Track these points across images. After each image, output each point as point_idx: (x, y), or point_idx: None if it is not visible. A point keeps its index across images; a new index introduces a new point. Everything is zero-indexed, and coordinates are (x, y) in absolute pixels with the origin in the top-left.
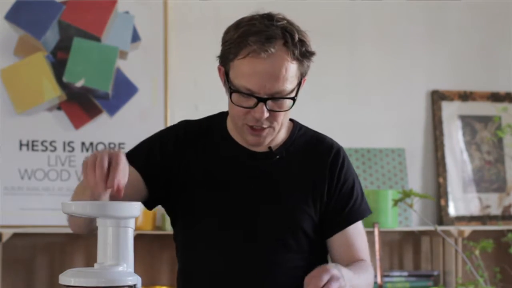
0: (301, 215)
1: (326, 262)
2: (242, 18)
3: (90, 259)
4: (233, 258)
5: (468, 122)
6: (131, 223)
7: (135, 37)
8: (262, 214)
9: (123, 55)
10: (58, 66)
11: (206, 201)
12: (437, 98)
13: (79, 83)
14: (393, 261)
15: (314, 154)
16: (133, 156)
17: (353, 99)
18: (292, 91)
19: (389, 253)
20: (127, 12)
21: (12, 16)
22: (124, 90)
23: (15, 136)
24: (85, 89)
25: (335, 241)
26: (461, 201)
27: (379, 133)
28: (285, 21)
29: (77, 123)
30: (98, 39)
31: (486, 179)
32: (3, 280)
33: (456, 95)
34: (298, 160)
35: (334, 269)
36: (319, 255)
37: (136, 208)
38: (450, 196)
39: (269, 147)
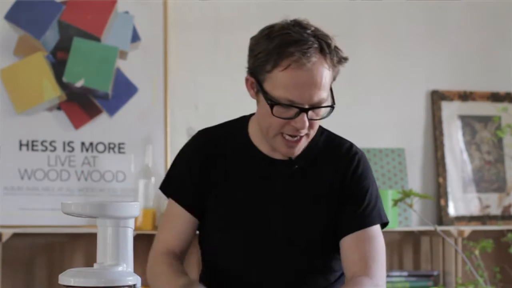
0: (316, 223)
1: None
2: (270, 27)
3: (89, 259)
4: (258, 267)
5: (468, 122)
6: (131, 223)
7: (135, 37)
8: (279, 223)
9: (123, 55)
10: (58, 66)
11: (230, 214)
12: (437, 98)
13: (79, 83)
14: (393, 261)
15: (332, 159)
16: (176, 195)
17: (352, 99)
18: (327, 97)
19: (389, 253)
20: (127, 12)
21: (12, 16)
22: (124, 90)
23: (15, 136)
24: (85, 89)
25: (344, 244)
26: (461, 201)
27: (379, 133)
28: (314, 27)
29: (77, 123)
30: (98, 39)
31: (486, 179)
32: (3, 280)
33: (456, 95)
34: (316, 166)
35: None
36: (328, 258)
37: (135, 208)
38: (450, 196)
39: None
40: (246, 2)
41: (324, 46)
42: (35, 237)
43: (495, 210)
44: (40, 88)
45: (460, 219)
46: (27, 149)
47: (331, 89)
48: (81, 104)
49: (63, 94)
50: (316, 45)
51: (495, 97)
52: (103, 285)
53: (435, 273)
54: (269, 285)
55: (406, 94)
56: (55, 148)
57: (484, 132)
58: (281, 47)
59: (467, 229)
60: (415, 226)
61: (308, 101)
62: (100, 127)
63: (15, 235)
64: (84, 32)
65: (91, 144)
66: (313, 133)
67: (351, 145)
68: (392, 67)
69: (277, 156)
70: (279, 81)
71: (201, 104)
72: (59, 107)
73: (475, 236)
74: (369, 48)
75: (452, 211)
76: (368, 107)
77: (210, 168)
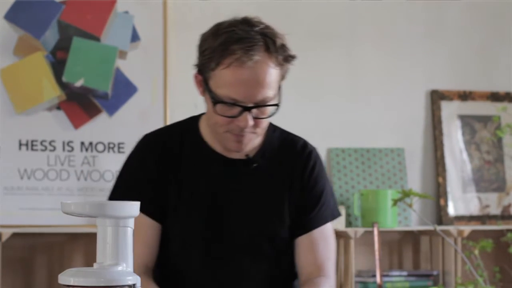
0: (278, 222)
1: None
2: (219, 25)
3: (89, 259)
4: (210, 263)
5: (467, 121)
6: (131, 223)
7: (135, 37)
8: (240, 223)
9: (123, 55)
10: (58, 65)
11: (189, 216)
12: (436, 97)
13: (79, 83)
14: (392, 261)
15: (289, 158)
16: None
17: (352, 98)
18: (274, 96)
19: (388, 253)
20: (126, 12)
21: (12, 16)
22: (124, 90)
23: (15, 136)
24: (84, 89)
25: (299, 244)
26: (461, 201)
27: (379, 133)
28: (264, 25)
29: (77, 122)
30: (97, 39)
31: (486, 179)
32: (2, 279)
33: (456, 94)
34: (273, 165)
35: None
36: (292, 260)
37: (135, 207)
38: (449, 196)
39: (246, 154)
40: (246, 2)
41: (270, 44)
42: (34, 237)
43: (494, 210)
44: (40, 88)
45: (459, 218)
46: (27, 148)
47: (280, 88)
48: (81, 104)
49: (63, 93)
50: (261, 43)
51: (494, 97)
52: (102, 284)
53: (435, 272)
54: (228, 286)
55: (406, 94)
56: (54, 148)
57: (483, 132)
58: (225, 44)
59: (467, 228)
60: (414, 226)
61: (251, 99)
62: (100, 127)
63: (14, 234)
64: (84, 32)
65: (90, 144)
66: (260, 131)
67: (305, 142)
68: (392, 66)
69: (233, 155)
70: (222, 79)
71: (201, 104)
72: (58, 107)
73: (474, 235)
74: (369, 47)
75: (451, 210)
76: (367, 106)
77: (166, 171)
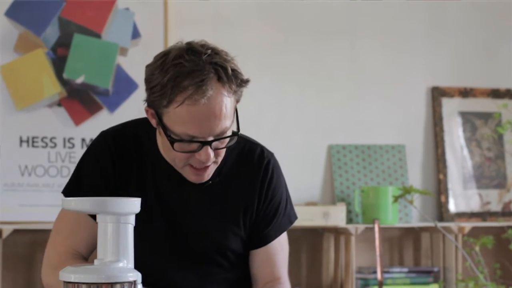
0: (231, 237)
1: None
2: (165, 56)
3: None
4: (167, 274)
5: (468, 118)
6: (131, 220)
7: (135, 34)
8: (192, 239)
9: (123, 51)
10: (59, 62)
11: (144, 225)
12: (437, 94)
13: (79, 80)
14: (393, 257)
15: (245, 172)
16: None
17: (353, 95)
18: (232, 123)
19: (389, 249)
20: (127, 9)
21: (12, 12)
22: (125, 86)
23: (15, 133)
24: (85, 86)
25: (256, 256)
26: (461, 198)
27: (379, 130)
28: (210, 50)
29: (77, 119)
30: (98, 36)
31: (486, 176)
32: (3, 276)
33: (457, 91)
34: (230, 180)
35: None
36: (248, 268)
37: (136, 204)
38: (450, 193)
39: None
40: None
41: (221, 73)
42: (35, 233)
43: (495, 207)
44: (41, 84)
45: (460, 215)
46: (28, 145)
47: (236, 113)
48: (82, 100)
49: (64, 90)
50: (212, 74)
51: (495, 94)
52: (103, 281)
53: (436, 269)
54: (194, 286)
55: (407, 91)
56: (55, 145)
57: (484, 129)
58: (174, 81)
59: (468, 225)
60: (415, 223)
61: (209, 133)
62: (101, 124)
63: (15, 231)
64: (85, 29)
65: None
66: (221, 159)
67: (261, 151)
68: (393, 63)
69: None
70: (177, 117)
71: None
72: (59, 104)
73: (475, 232)
74: (370, 45)
75: (452, 207)
76: (368, 103)
77: (122, 172)
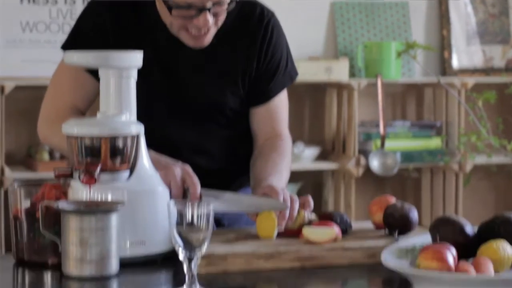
0: (230, 95)
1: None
2: None
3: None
4: (176, 123)
5: None
6: (134, 73)
7: None
8: (191, 97)
9: None
10: None
11: (147, 85)
12: None
13: None
14: (395, 111)
15: (245, 31)
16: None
17: None
18: None
19: (391, 105)
20: None
21: None
22: None
23: None
24: None
25: (257, 113)
26: (465, 53)
27: None
28: None
29: None
30: None
31: (490, 31)
32: (6, 131)
33: None
34: (229, 40)
35: (276, 186)
36: (247, 125)
37: (138, 58)
38: (453, 48)
39: None
40: None
41: None
42: (37, 89)
43: (498, 62)
44: None
45: (463, 71)
46: (28, 2)
47: None
48: None
49: None
50: None
51: None
52: (106, 134)
53: (438, 123)
54: (194, 153)
55: None
56: (56, 1)
57: None
58: None
59: (471, 80)
60: (418, 78)
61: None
62: None
63: (17, 87)
64: None
65: None
66: (221, 22)
67: (262, 9)
68: None
69: None
70: None
71: None
72: None
73: (478, 88)
74: None
75: (455, 63)
76: None
77: (120, 31)
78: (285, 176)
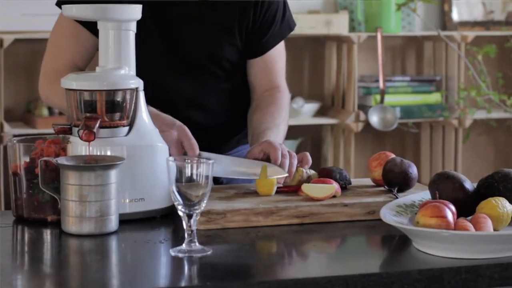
0: (226, 47)
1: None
2: None
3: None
4: (162, 86)
5: None
6: (133, 26)
7: None
8: (188, 49)
9: None
10: None
11: (145, 39)
12: None
13: None
14: (395, 66)
15: None
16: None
17: None
18: None
19: (391, 58)
20: None
21: None
22: None
23: None
24: None
25: (254, 65)
26: (465, 6)
27: None
28: None
29: None
30: None
31: None
32: (5, 85)
33: None
34: None
35: (274, 142)
36: (245, 79)
37: (137, 10)
38: (453, 1)
39: None
40: None
41: None
42: (36, 43)
43: (499, 16)
44: None
45: (463, 24)
46: None
47: None
48: None
49: None
50: None
51: None
52: (105, 88)
53: (438, 78)
54: (190, 107)
55: None
56: None
57: None
58: None
59: (471, 34)
60: (418, 31)
61: None
62: None
63: (16, 40)
64: None
65: None
66: None
67: None
68: None
69: None
70: None
71: None
72: None
73: (478, 41)
74: None
75: (455, 16)
76: None
77: None
78: (283, 129)
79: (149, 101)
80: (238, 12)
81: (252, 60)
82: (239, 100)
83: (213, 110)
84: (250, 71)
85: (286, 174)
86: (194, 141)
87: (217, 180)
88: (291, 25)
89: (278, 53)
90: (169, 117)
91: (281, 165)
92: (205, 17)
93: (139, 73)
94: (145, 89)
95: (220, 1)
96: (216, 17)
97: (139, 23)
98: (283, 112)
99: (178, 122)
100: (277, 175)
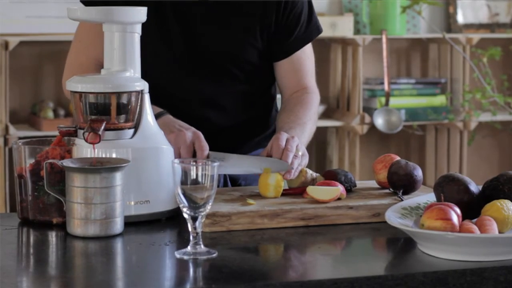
0: (247, 48)
1: (270, 88)
2: None
3: None
4: (181, 86)
5: None
6: (138, 29)
7: None
8: (208, 50)
9: None
10: None
11: (161, 37)
12: None
13: None
14: (400, 68)
15: None
16: None
17: None
18: None
19: (396, 61)
20: None
21: None
22: None
23: None
24: None
25: (282, 67)
26: (470, 9)
27: None
28: None
29: None
30: None
31: None
32: (10, 87)
33: None
34: None
35: (285, 134)
36: (265, 81)
37: (142, 13)
38: (458, 3)
39: None
40: None
41: None
42: (41, 45)
43: (504, 18)
44: None
45: (468, 26)
46: None
47: None
48: None
49: None
50: None
51: None
52: (110, 90)
53: (443, 80)
54: (206, 106)
55: None
56: None
57: None
58: None
59: (476, 36)
60: (423, 34)
61: None
62: None
63: (21, 43)
64: None
65: None
66: None
67: None
68: None
69: None
70: None
71: None
72: None
73: (483, 44)
74: None
75: (460, 18)
76: None
77: None
78: (309, 128)
79: (166, 100)
80: (260, 13)
81: (279, 62)
82: (257, 102)
83: (230, 110)
84: (278, 73)
85: (289, 167)
86: (206, 143)
87: (235, 182)
88: (319, 28)
89: (305, 54)
90: (185, 124)
91: (282, 159)
92: (226, 18)
93: (158, 72)
94: (163, 88)
95: (242, 2)
96: (238, 18)
97: (160, 22)
98: (309, 112)
99: (194, 128)
100: (277, 171)
